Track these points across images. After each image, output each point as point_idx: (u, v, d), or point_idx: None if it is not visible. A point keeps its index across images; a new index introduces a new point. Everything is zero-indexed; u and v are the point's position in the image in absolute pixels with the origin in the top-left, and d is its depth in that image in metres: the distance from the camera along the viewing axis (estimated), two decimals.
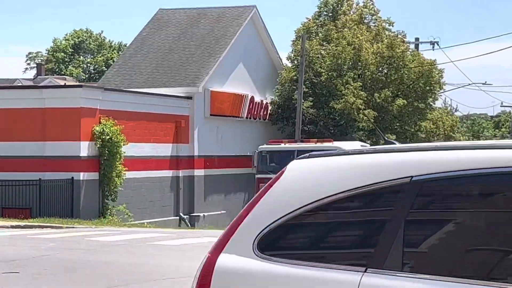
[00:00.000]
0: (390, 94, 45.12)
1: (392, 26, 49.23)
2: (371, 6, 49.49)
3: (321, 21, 49.25)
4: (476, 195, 4.09)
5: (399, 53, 45.58)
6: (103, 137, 31.36)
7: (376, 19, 49.50)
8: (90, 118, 31.63)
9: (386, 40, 46.48)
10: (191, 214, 38.66)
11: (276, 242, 4.34)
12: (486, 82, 67.75)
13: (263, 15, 45.93)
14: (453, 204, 4.12)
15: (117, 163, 31.84)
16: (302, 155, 4.58)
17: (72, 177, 30.80)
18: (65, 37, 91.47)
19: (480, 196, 4.08)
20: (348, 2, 49.32)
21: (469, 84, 60.82)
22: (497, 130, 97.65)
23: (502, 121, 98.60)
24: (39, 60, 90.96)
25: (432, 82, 46.39)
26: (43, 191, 30.28)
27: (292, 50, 47.46)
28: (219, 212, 39.95)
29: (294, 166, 4.51)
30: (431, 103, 48.26)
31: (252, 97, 43.50)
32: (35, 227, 26.54)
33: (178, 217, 37.85)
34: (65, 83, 48.38)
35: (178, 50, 42.74)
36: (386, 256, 4.03)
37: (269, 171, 33.17)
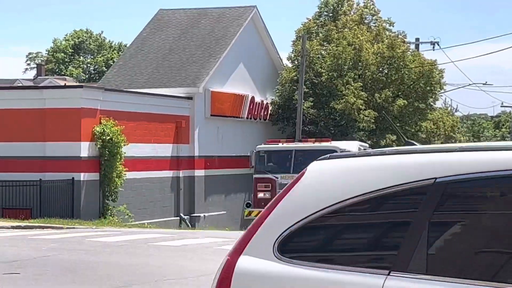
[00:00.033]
0: (391, 94, 45.13)
1: (393, 26, 49.29)
2: (372, 7, 49.47)
3: (321, 21, 49.23)
4: (501, 197, 4.03)
5: (399, 53, 45.58)
6: (104, 137, 31.33)
7: (377, 20, 49.49)
8: (91, 119, 31.59)
9: (386, 41, 46.48)
10: (192, 215, 38.62)
11: (297, 244, 4.27)
12: (486, 82, 67.85)
13: (263, 16, 45.96)
14: (478, 206, 4.07)
15: (117, 163, 31.81)
16: (322, 156, 4.49)
17: (73, 178, 30.76)
18: (65, 37, 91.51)
19: (505, 198, 4.02)
20: (349, 2, 49.30)
21: (470, 84, 60.86)
22: (497, 131, 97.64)
23: (502, 121, 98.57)
24: (39, 61, 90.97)
25: (433, 82, 46.40)
26: (43, 192, 30.24)
27: (293, 51, 47.44)
28: (219, 213, 39.93)
29: (315, 167, 4.42)
30: (431, 103, 48.28)
31: (253, 98, 43.47)
32: (36, 227, 26.49)
33: (178, 218, 37.81)
34: (65, 84, 48.36)
35: (178, 50, 42.71)
36: (410, 259, 3.97)
37: (267, 171, 33.04)
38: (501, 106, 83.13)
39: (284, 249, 4.25)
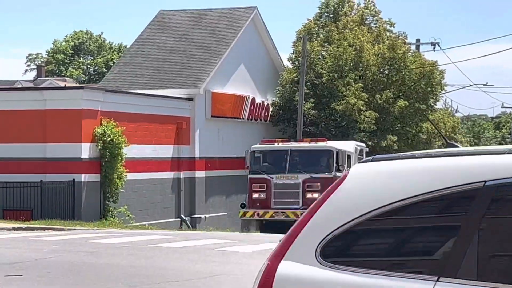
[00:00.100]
0: (392, 95, 45.09)
1: (393, 27, 49.25)
2: (372, 7, 49.43)
3: (322, 22, 49.17)
4: None
5: (400, 54, 45.56)
6: (104, 138, 31.28)
7: (377, 20, 49.45)
8: (91, 120, 31.54)
9: (387, 41, 46.45)
10: (192, 216, 38.57)
11: (341, 249, 4.17)
12: (487, 83, 67.51)
13: (264, 16, 45.93)
14: None
15: (118, 164, 31.77)
16: (365, 159, 4.42)
17: (73, 179, 30.71)
18: (65, 38, 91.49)
19: None
20: (349, 3, 49.26)
21: (470, 85, 60.92)
22: (497, 131, 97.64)
23: (503, 122, 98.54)
24: (39, 62, 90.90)
25: (434, 83, 46.36)
26: (44, 193, 30.20)
27: (293, 51, 47.39)
28: (220, 214, 39.86)
29: (358, 170, 4.32)
30: (432, 104, 48.24)
31: (253, 99, 43.42)
32: (37, 229, 26.43)
33: (179, 219, 37.77)
34: (65, 85, 48.38)
35: (179, 51, 42.67)
36: (460, 264, 3.88)
37: (262, 171, 32.76)
38: (502, 107, 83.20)
39: (327, 254, 4.15)
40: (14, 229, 26.19)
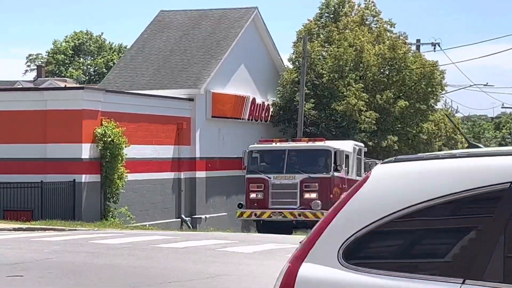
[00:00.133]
0: (392, 95, 45.09)
1: (394, 27, 49.26)
2: (373, 8, 49.43)
3: (322, 22, 49.16)
4: None
5: (400, 55, 45.56)
6: (105, 139, 31.27)
7: (378, 21, 49.45)
8: (92, 120, 31.53)
9: (387, 42, 46.45)
10: (193, 216, 38.55)
11: (363, 251, 4.11)
12: (487, 83, 67.04)
13: (264, 17, 45.92)
14: None
15: (118, 165, 31.75)
16: (387, 159, 4.34)
17: (74, 179, 30.70)
18: (65, 39, 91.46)
19: None
20: (350, 3, 49.24)
21: (471, 85, 60.77)
22: (497, 132, 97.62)
23: (503, 122, 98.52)
24: (39, 62, 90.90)
25: (434, 84, 46.36)
26: (44, 193, 30.19)
27: (294, 52, 47.38)
28: (220, 214, 39.83)
29: (380, 171, 4.25)
30: (432, 105, 48.24)
31: (254, 99, 43.41)
32: (37, 229, 26.42)
33: (179, 219, 37.75)
34: (65, 85, 48.34)
35: (179, 51, 42.65)
36: (486, 266, 3.82)
37: (260, 171, 32.61)
38: (502, 107, 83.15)
39: (350, 255, 4.09)
40: (14, 229, 26.17)
